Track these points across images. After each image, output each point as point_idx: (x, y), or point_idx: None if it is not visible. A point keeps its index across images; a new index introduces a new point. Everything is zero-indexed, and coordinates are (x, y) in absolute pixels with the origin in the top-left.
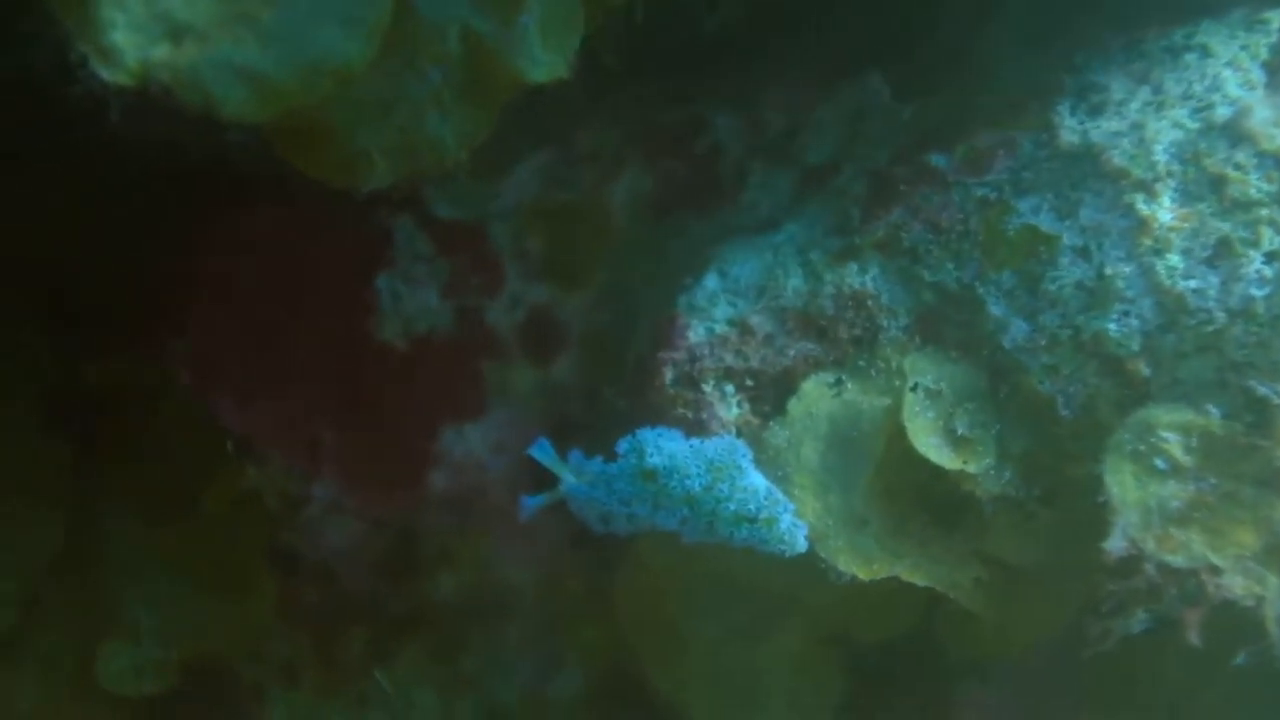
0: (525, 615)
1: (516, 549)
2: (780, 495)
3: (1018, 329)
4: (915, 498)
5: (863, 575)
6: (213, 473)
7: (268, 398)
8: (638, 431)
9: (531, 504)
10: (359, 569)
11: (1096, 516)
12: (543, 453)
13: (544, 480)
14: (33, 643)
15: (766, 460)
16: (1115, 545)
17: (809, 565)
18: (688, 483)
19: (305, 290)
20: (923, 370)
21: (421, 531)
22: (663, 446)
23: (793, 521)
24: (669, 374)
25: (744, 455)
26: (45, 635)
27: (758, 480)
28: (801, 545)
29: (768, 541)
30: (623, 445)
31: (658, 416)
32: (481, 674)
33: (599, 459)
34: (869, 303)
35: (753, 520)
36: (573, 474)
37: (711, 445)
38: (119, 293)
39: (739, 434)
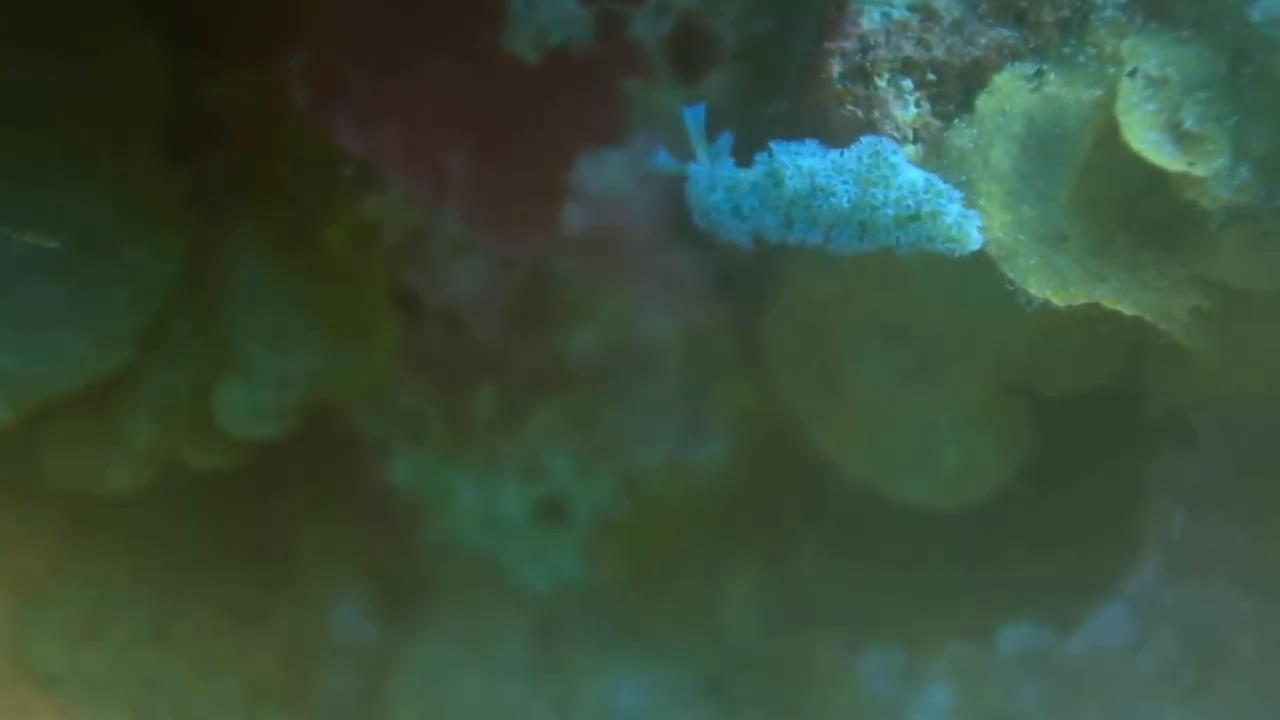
0: (669, 373)
1: (661, 297)
2: (943, 184)
3: None
4: (1126, 209)
5: (1057, 301)
6: (333, 202)
7: (387, 118)
8: (772, 147)
9: (662, 162)
10: (488, 316)
11: None
12: (694, 119)
13: None
14: (149, 380)
15: (947, 166)
16: None
17: (993, 295)
18: (834, 200)
19: None
20: (1145, 54)
21: (556, 277)
22: (802, 165)
23: (961, 212)
24: (836, 67)
25: (892, 151)
26: (162, 372)
27: (914, 174)
28: (975, 239)
29: (934, 240)
30: (757, 168)
31: (822, 118)
32: (620, 438)
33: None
34: None
35: (915, 217)
36: (709, 158)
37: (853, 156)
38: (232, 3)
39: (916, 137)
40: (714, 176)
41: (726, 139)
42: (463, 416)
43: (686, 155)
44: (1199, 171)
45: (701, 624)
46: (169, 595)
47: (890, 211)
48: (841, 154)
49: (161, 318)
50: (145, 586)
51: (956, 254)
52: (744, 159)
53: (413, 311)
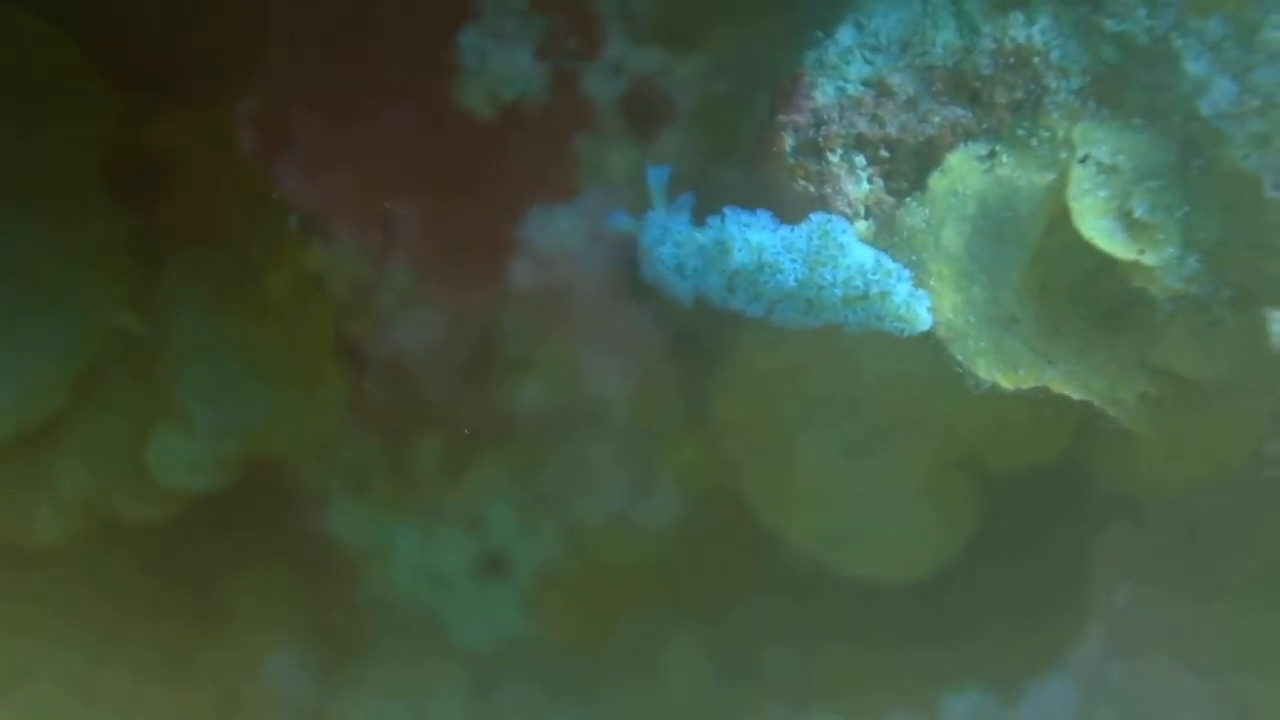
0: (615, 431)
1: (608, 355)
2: (892, 263)
3: (1221, 90)
4: (1076, 294)
5: (1006, 384)
6: (278, 251)
7: (336, 169)
8: (726, 213)
9: (619, 222)
10: (433, 369)
11: None
12: (657, 179)
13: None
14: (82, 428)
15: (899, 244)
16: None
17: (942, 373)
18: (780, 278)
19: (380, 46)
20: (1097, 140)
21: (503, 331)
22: (751, 239)
23: (910, 292)
24: (789, 140)
25: (842, 230)
26: (97, 421)
27: (863, 254)
28: (924, 320)
29: (883, 319)
30: (708, 232)
31: (774, 191)
32: (564, 493)
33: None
34: (1035, 60)
35: (864, 297)
36: (665, 214)
37: (802, 234)
38: (181, 46)
39: (868, 214)
40: (666, 229)
41: (687, 199)
42: (405, 469)
43: (643, 213)
44: (1148, 260)
45: (643, 683)
46: (97, 646)
47: (839, 292)
48: (792, 230)
49: (97, 364)
50: (71, 637)
51: (905, 334)
52: (696, 219)
53: (357, 363)
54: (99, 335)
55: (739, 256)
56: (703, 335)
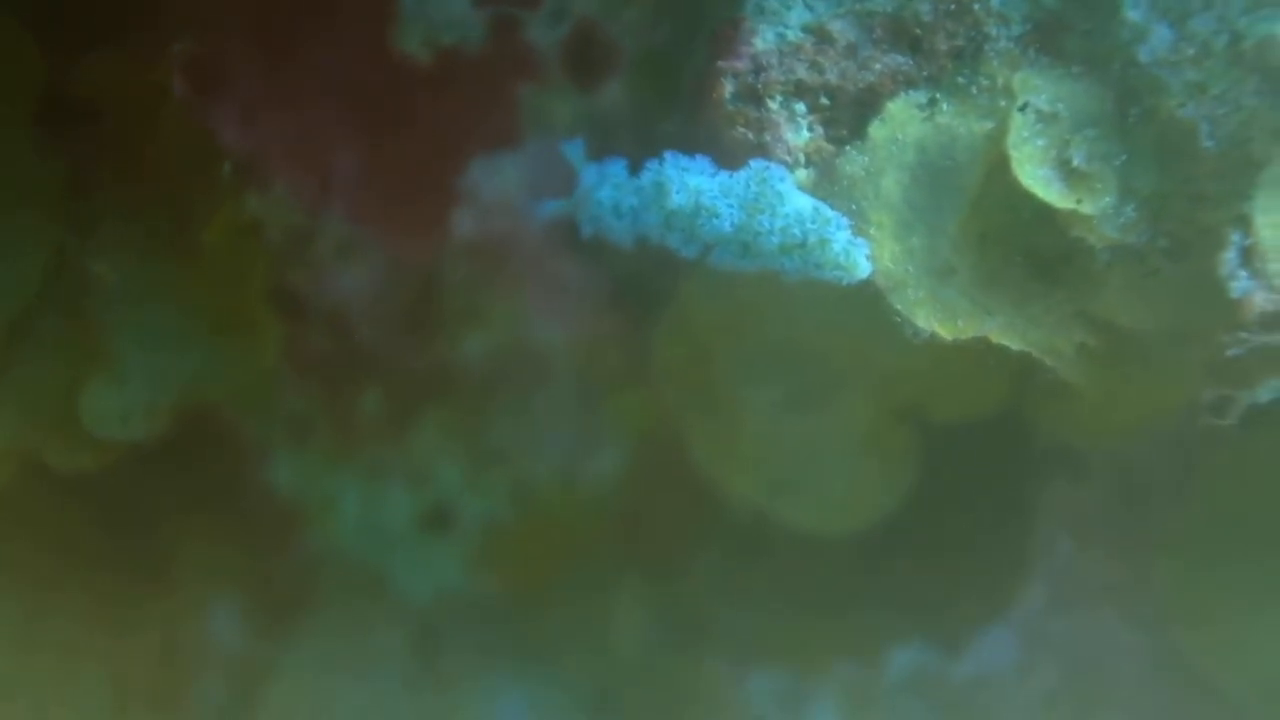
0: (560, 383)
1: (552, 306)
2: (830, 212)
3: (1159, 37)
4: (1014, 244)
5: (945, 334)
6: (212, 199)
7: (272, 114)
8: (665, 156)
9: (549, 209)
10: (374, 319)
11: (1235, 272)
12: (574, 152)
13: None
14: (14, 375)
15: (838, 193)
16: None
17: (881, 323)
18: (717, 222)
19: None
20: (1036, 88)
21: (445, 282)
22: (689, 183)
23: (849, 240)
24: (729, 87)
25: (780, 178)
26: (28, 368)
27: (802, 202)
28: (863, 268)
29: (822, 267)
30: (646, 175)
31: (714, 137)
32: (509, 446)
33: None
34: (975, 7)
35: (801, 245)
36: (595, 180)
37: (741, 180)
38: None
39: (807, 161)
40: (604, 174)
41: (616, 159)
42: (347, 420)
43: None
44: (1086, 209)
45: (587, 639)
46: (33, 596)
47: (776, 240)
48: (730, 176)
49: (27, 312)
50: (7, 587)
51: (844, 282)
52: (635, 168)
53: (295, 312)
54: (27, 284)
55: (676, 198)
56: (645, 286)
